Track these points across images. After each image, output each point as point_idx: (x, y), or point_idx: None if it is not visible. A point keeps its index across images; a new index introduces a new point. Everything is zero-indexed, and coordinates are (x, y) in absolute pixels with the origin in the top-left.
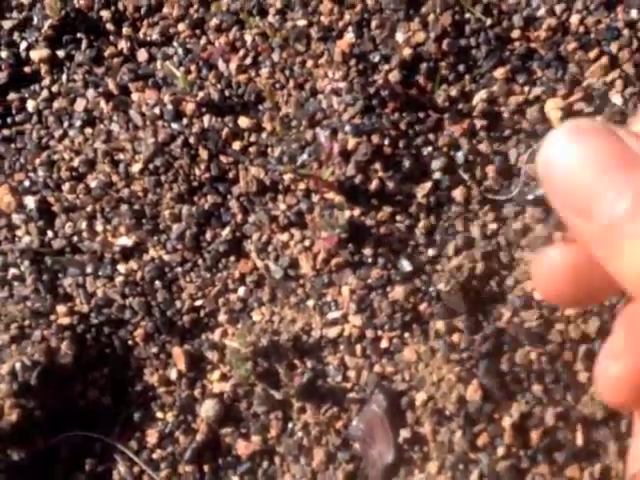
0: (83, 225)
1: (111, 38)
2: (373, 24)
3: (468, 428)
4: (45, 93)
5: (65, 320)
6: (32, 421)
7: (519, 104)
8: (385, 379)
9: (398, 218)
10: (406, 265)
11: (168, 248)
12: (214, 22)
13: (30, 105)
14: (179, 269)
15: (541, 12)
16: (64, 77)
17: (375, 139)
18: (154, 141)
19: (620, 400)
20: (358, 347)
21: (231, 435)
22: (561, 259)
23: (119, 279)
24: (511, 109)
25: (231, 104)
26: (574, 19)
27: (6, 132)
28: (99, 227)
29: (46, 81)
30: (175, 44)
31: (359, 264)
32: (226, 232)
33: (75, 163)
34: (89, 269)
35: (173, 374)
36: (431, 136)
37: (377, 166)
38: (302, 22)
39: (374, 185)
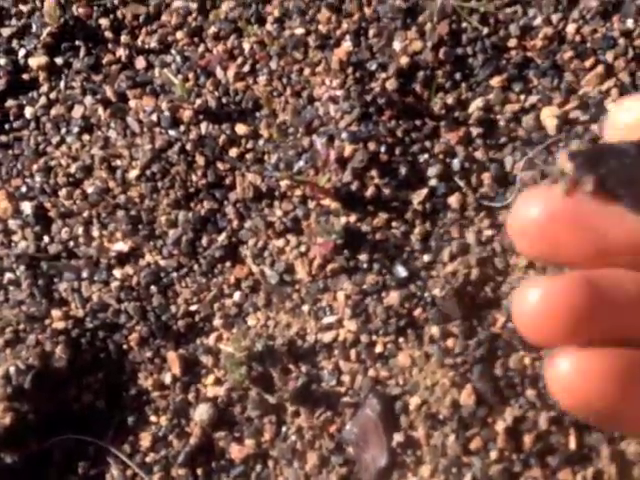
0: (79, 230)
1: (109, 46)
2: (370, 33)
3: (461, 432)
4: (43, 100)
5: (60, 324)
6: (26, 424)
7: (515, 112)
8: (379, 383)
9: (394, 224)
10: (401, 271)
11: (164, 253)
12: (212, 30)
13: (28, 112)
14: (175, 274)
15: (537, 21)
16: (62, 84)
17: (372, 146)
18: (151, 148)
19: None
20: (353, 352)
21: (225, 439)
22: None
23: (115, 284)
24: (507, 117)
25: (228, 111)
26: (570, 28)
27: (3, 138)
28: (95, 232)
29: (44, 88)
30: (173, 52)
31: (354, 270)
32: (222, 238)
33: (72, 169)
34: (85, 274)
35: (167, 378)
36: (427, 143)
37: (373, 173)
38: (300, 30)
39: (370, 192)
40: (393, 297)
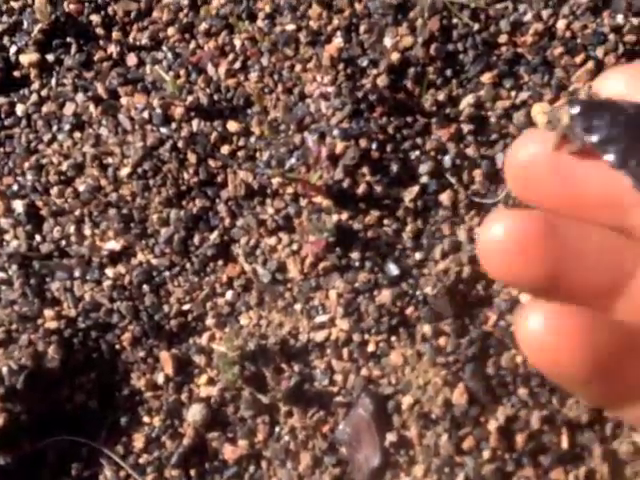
0: (71, 229)
1: (101, 42)
2: (361, 29)
3: (454, 431)
4: (34, 97)
5: (52, 324)
6: (18, 425)
7: (506, 109)
8: (372, 383)
9: (385, 222)
10: (393, 269)
11: (156, 252)
12: (203, 26)
13: (19, 109)
14: (167, 273)
15: (528, 17)
16: (53, 81)
17: (363, 143)
18: (143, 145)
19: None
20: (345, 351)
21: (218, 439)
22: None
23: (107, 283)
24: (498, 113)
25: (220, 108)
26: (560, 24)
27: None
28: (87, 231)
29: (35, 85)
30: (164, 48)
31: (346, 268)
32: (214, 236)
33: (64, 167)
34: (77, 273)
35: (160, 378)
36: (419, 140)
37: (365, 170)
38: (291, 27)
39: (362, 189)
40: (385, 295)
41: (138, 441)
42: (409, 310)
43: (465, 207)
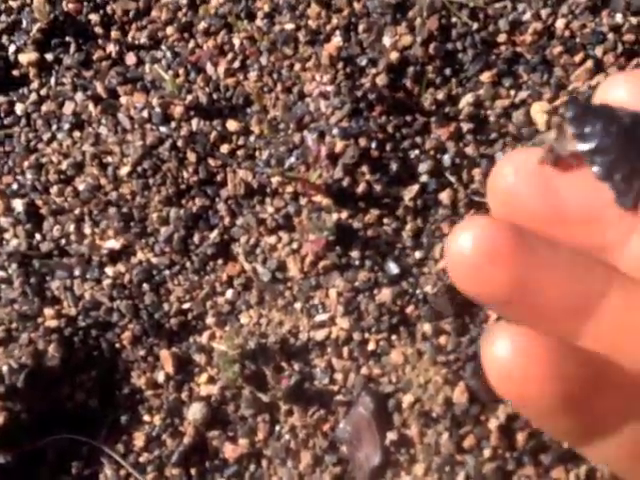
0: (71, 228)
1: (100, 42)
2: (360, 28)
3: (454, 430)
4: (33, 96)
5: (52, 323)
6: (19, 424)
7: (505, 108)
8: (372, 381)
9: (385, 221)
10: (393, 268)
11: (156, 251)
12: (202, 26)
13: (18, 108)
14: (167, 272)
15: (527, 16)
16: (52, 80)
17: (362, 142)
18: (142, 144)
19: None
20: (345, 350)
21: (218, 438)
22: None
23: (107, 282)
24: (497, 112)
25: (219, 107)
26: (559, 23)
27: None
28: (87, 230)
29: (34, 84)
30: (163, 47)
31: (346, 267)
32: (214, 235)
33: (63, 166)
34: (77, 272)
35: (160, 377)
36: (418, 139)
37: (364, 169)
38: (290, 26)
39: (361, 188)
40: (385, 294)
41: (138, 440)
42: (409, 309)
43: (465, 206)
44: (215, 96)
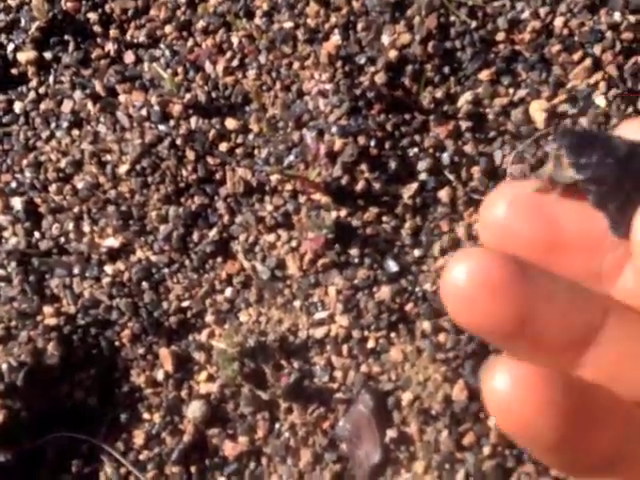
0: (70, 226)
1: (98, 40)
2: (359, 26)
3: (454, 428)
4: (32, 95)
5: (52, 321)
6: (18, 422)
7: (504, 106)
8: (372, 379)
9: (384, 219)
10: (392, 265)
11: (155, 249)
12: (201, 24)
13: (17, 107)
14: (166, 270)
15: (525, 15)
16: (51, 79)
17: (361, 140)
18: (141, 142)
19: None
20: (345, 347)
21: (218, 436)
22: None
23: (106, 280)
24: (496, 111)
25: (218, 106)
26: (558, 22)
27: None
28: (86, 228)
29: (33, 83)
30: (162, 46)
31: (346, 264)
32: (213, 233)
33: (62, 164)
34: (76, 270)
35: (160, 375)
36: (417, 137)
37: (363, 167)
38: (289, 24)
39: (360, 186)
40: (384, 292)
41: (138, 438)
42: (409, 306)
43: (464, 204)
44: (214, 94)
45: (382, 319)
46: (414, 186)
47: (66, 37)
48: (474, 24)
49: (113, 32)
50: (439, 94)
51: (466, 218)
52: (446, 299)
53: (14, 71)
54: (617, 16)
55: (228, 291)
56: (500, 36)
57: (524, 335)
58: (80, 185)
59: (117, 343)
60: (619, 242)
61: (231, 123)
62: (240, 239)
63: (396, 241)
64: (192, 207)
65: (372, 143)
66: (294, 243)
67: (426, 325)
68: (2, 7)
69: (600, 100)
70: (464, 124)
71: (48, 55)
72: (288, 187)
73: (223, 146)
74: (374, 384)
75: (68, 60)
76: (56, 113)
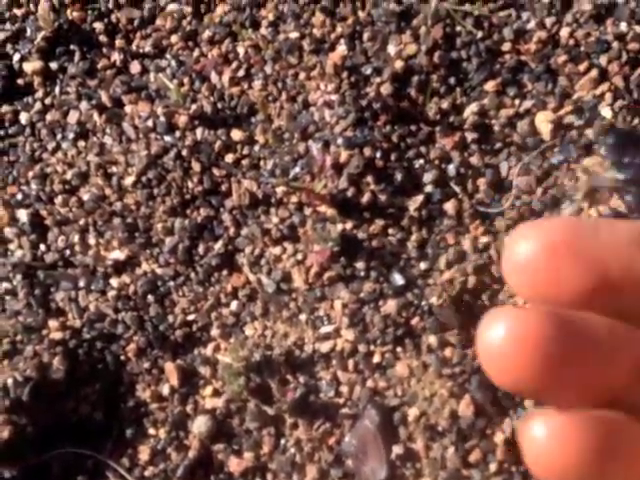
0: (76, 239)
1: (104, 50)
2: (365, 37)
3: (460, 444)
4: (38, 105)
5: (57, 335)
6: (24, 437)
7: (510, 117)
8: (377, 394)
9: (390, 231)
10: (398, 279)
11: (161, 262)
12: (207, 34)
13: (23, 117)
14: (172, 283)
15: (531, 25)
16: (57, 89)
17: (367, 152)
18: (147, 154)
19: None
20: (350, 362)
21: (223, 451)
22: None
23: (111, 293)
24: (502, 122)
25: (224, 117)
26: (564, 32)
27: None
28: (92, 241)
29: (39, 93)
30: (168, 56)
31: (351, 278)
32: (219, 245)
33: (68, 176)
34: (81, 283)
35: (165, 390)
36: (423, 149)
37: (369, 179)
38: (294, 34)
39: (366, 198)
40: (390, 306)
41: (144, 453)
42: (414, 320)
43: (470, 216)
44: (220, 105)
45: (388, 333)
46: (420, 198)
47: (72, 47)
48: (480, 34)
49: (119, 42)
50: (445, 105)
51: (472, 230)
52: (483, 358)
53: (20, 81)
54: (623, 26)
55: (234, 304)
56: (506, 46)
57: (562, 390)
58: (86, 197)
59: (122, 357)
60: None
61: (237, 134)
62: (246, 252)
63: (402, 254)
64: (198, 219)
65: (378, 155)
66: (300, 256)
67: (432, 339)
68: (8, 17)
69: (606, 111)
70: (470, 135)
71: (54, 65)
72: (294, 199)
73: (229, 157)
74: (380, 399)
75: (74, 70)
76: (62, 124)
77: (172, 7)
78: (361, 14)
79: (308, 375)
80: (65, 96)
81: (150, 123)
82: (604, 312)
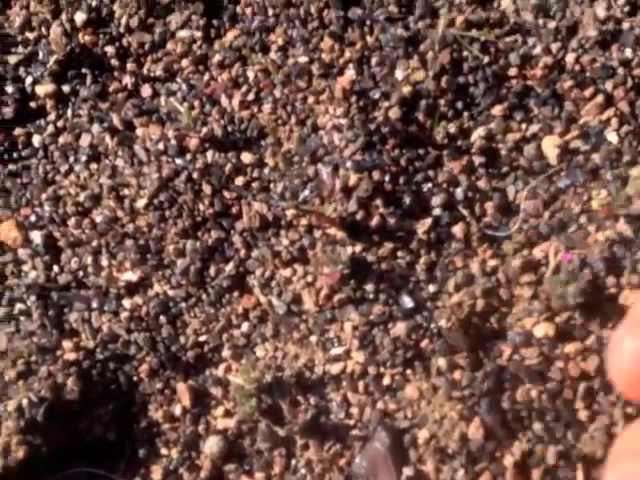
0: (89, 260)
1: (115, 74)
2: (373, 61)
3: (470, 467)
4: (51, 128)
5: (71, 356)
6: (38, 457)
7: (516, 141)
8: (388, 416)
9: (399, 254)
10: (407, 301)
11: (172, 283)
12: (217, 58)
13: (36, 140)
14: (183, 304)
15: (537, 50)
16: (69, 112)
17: (376, 175)
18: (158, 176)
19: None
20: (361, 384)
21: (235, 472)
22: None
23: (124, 314)
24: (509, 146)
25: (234, 140)
26: (570, 58)
27: (12, 167)
28: (104, 262)
29: (52, 116)
30: (179, 80)
31: (361, 300)
32: (230, 267)
33: (81, 198)
34: (94, 304)
35: (177, 410)
36: (431, 172)
37: (378, 202)
38: (303, 59)
39: (375, 221)
40: (400, 328)
41: (156, 473)
42: (424, 343)
43: (477, 239)
44: (230, 128)
45: (398, 355)
46: (428, 221)
47: (84, 70)
48: (487, 59)
49: (130, 66)
50: (452, 129)
51: (480, 254)
52: (612, 371)
53: (33, 104)
54: (628, 52)
55: (245, 326)
56: (512, 71)
57: None
58: (98, 219)
59: (135, 378)
60: None
61: (247, 157)
62: (256, 273)
63: (411, 276)
64: (209, 241)
65: (387, 178)
66: (310, 278)
67: (442, 362)
68: (20, 40)
69: (612, 136)
70: (477, 159)
71: (66, 88)
72: (304, 222)
73: (239, 180)
74: (390, 421)
75: (86, 93)
76: (74, 147)
77: (183, 32)
78: (369, 39)
79: (319, 396)
80: (77, 119)
81: (161, 146)
82: None
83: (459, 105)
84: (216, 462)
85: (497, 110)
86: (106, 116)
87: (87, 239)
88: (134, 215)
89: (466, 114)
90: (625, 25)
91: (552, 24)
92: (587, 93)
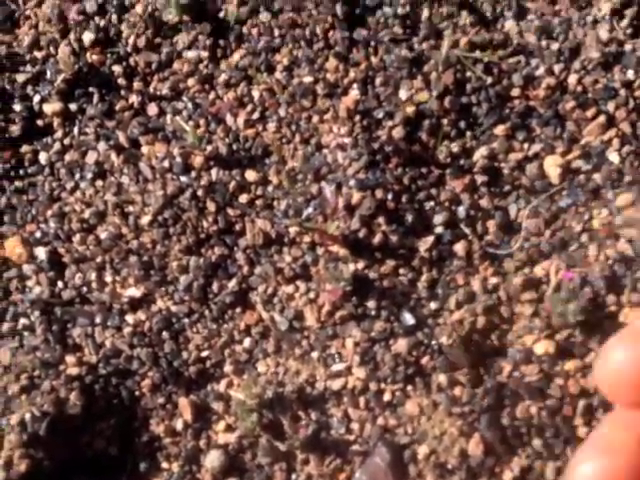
0: (92, 276)
1: (122, 92)
2: (377, 81)
3: None
4: (57, 146)
5: (74, 370)
6: (41, 471)
7: (519, 161)
8: (388, 432)
9: (401, 271)
10: (409, 318)
11: (176, 299)
12: (223, 78)
13: (42, 157)
14: (186, 320)
15: (540, 71)
16: (76, 130)
17: (379, 194)
18: (163, 194)
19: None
20: (361, 399)
21: None
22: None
23: (127, 330)
24: (511, 165)
25: (239, 158)
26: (572, 79)
27: (18, 184)
28: (108, 278)
29: (58, 134)
30: (184, 99)
31: (363, 317)
32: (232, 284)
33: (86, 215)
34: (98, 319)
35: (179, 424)
36: (433, 191)
37: (381, 220)
38: (308, 79)
39: (378, 239)
40: (401, 345)
41: None
42: (425, 359)
43: (479, 257)
44: (235, 147)
45: (398, 372)
46: (430, 239)
47: (91, 89)
48: (490, 80)
49: (137, 84)
50: (455, 148)
51: (481, 271)
52: (599, 381)
53: (40, 122)
54: (630, 74)
55: (247, 341)
56: (515, 92)
57: None
58: (103, 235)
59: (137, 393)
60: None
61: (251, 175)
62: (259, 290)
63: (412, 294)
64: (212, 258)
65: (389, 196)
66: (312, 294)
67: (442, 378)
68: (29, 59)
69: (614, 157)
70: (480, 178)
71: (73, 107)
72: (306, 239)
73: (243, 198)
74: (390, 437)
75: (93, 112)
76: (80, 164)
77: (189, 52)
78: (374, 60)
79: (320, 412)
80: (84, 137)
81: (166, 164)
82: None
83: (462, 125)
84: (217, 476)
85: (500, 130)
86: (112, 134)
87: (91, 255)
88: (138, 232)
89: (469, 134)
90: (627, 47)
91: (555, 45)
92: (589, 114)
